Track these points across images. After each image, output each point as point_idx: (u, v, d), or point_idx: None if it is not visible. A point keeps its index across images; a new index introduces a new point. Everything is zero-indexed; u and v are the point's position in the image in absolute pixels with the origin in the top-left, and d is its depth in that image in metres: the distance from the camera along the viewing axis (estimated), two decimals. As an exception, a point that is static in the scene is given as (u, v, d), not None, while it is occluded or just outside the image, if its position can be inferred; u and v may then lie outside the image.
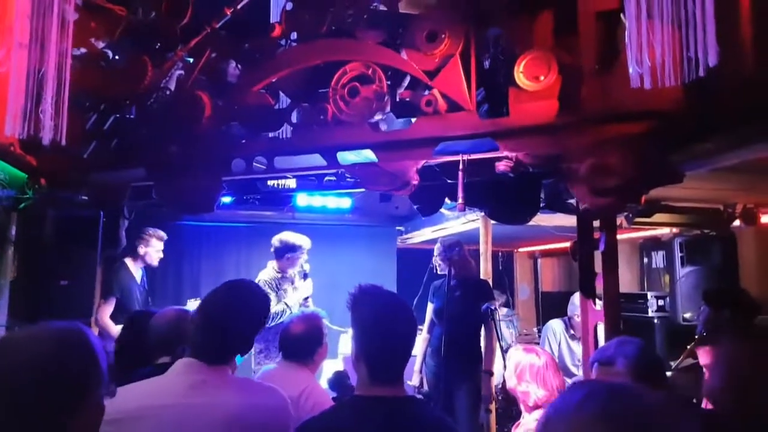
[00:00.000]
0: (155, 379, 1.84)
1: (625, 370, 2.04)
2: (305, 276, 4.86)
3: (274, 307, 4.59)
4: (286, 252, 4.79)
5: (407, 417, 1.73)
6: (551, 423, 0.97)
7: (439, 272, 4.87)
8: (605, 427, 0.90)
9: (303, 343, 2.83)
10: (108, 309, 4.67)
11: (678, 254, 4.66)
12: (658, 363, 2.17)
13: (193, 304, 4.68)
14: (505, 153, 2.62)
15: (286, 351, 2.87)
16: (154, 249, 4.98)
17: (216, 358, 1.83)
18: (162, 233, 5.05)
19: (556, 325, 5.10)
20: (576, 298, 4.90)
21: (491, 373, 4.55)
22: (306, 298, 4.81)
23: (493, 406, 4.68)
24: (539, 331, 6.40)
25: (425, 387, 4.91)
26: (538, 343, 5.51)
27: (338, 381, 2.94)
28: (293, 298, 4.73)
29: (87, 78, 3.21)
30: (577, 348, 4.80)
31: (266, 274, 4.84)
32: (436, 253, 4.85)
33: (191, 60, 3.30)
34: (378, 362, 1.75)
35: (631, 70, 1.81)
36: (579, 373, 4.59)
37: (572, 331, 4.94)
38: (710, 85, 1.91)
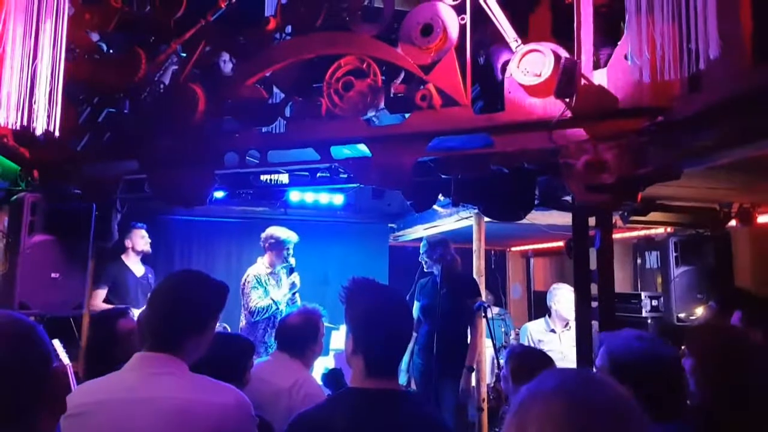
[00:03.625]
0: (112, 374, 1.82)
1: (605, 364, 1.99)
2: (291, 271, 4.89)
3: (261, 303, 4.68)
4: (273, 247, 4.89)
5: (403, 411, 1.72)
6: (525, 405, 0.97)
7: (426, 270, 4.89)
8: (577, 411, 0.91)
9: (298, 335, 2.82)
10: (98, 296, 4.73)
11: (672, 254, 4.66)
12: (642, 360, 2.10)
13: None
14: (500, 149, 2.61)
15: (280, 341, 2.86)
16: (138, 237, 5.03)
17: (165, 346, 1.79)
18: (141, 226, 5.11)
19: (533, 326, 5.07)
20: (556, 287, 4.89)
21: (472, 369, 4.56)
22: (294, 293, 4.84)
23: (485, 405, 4.68)
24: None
25: (413, 386, 4.91)
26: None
27: (333, 378, 2.91)
28: (279, 294, 4.78)
29: (81, 70, 3.20)
30: (557, 345, 4.76)
31: (255, 269, 4.92)
32: (422, 251, 4.88)
33: (185, 55, 3.29)
34: (375, 355, 1.73)
35: (630, 63, 1.80)
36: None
37: (552, 326, 4.89)
38: (708, 80, 1.91)
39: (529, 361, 2.80)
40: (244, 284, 4.81)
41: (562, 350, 4.66)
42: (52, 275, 3.32)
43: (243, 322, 4.86)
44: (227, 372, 2.22)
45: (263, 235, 4.98)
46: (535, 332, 4.93)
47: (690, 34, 1.68)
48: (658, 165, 2.36)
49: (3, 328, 1.17)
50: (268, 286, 4.82)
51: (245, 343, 2.61)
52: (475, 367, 4.60)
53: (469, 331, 4.66)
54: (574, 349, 3.58)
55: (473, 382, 4.65)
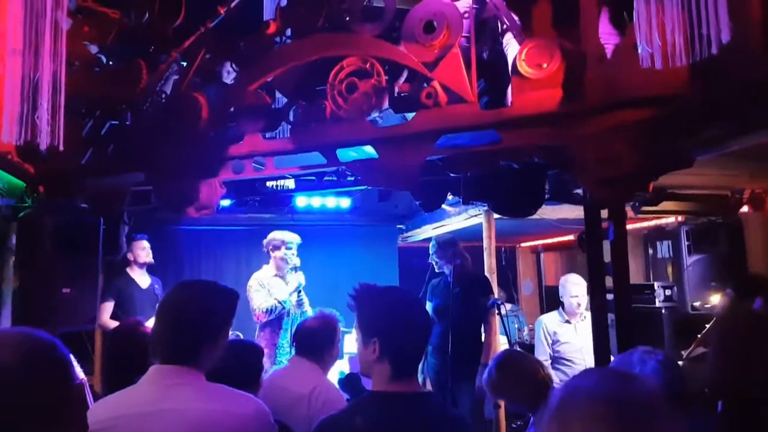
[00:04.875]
0: (129, 388, 1.80)
1: None
2: (295, 270, 4.90)
3: (265, 304, 4.68)
4: (275, 250, 4.92)
5: (429, 413, 1.72)
6: (566, 404, 0.99)
7: (437, 270, 4.87)
8: (619, 408, 0.94)
9: (316, 340, 2.82)
10: (105, 310, 4.72)
11: (684, 242, 4.62)
12: (678, 385, 2.08)
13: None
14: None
15: (298, 346, 2.87)
16: (139, 249, 5.02)
17: (179, 358, 1.77)
18: (142, 237, 5.09)
19: (547, 318, 5.04)
20: (566, 279, 4.86)
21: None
22: (299, 292, 4.84)
23: (502, 402, 4.65)
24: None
25: (428, 386, 4.89)
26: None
27: (350, 382, 2.91)
28: (283, 293, 4.77)
29: (81, 83, 3.18)
30: (573, 335, 4.75)
31: (258, 274, 4.95)
32: (432, 251, 4.88)
33: (185, 64, 3.27)
34: (402, 357, 1.73)
35: (640, 50, 1.77)
36: (577, 360, 4.57)
37: (566, 317, 4.85)
38: (718, 67, 1.87)
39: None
40: (248, 290, 4.82)
41: (578, 341, 4.64)
42: (63, 290, 3.31)
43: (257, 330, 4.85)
44: (241, 378, 2.21)
45: (265, 241, 5.00)
46: (550, 324, 4.89)
47: (701, 19, 1.64)
48: (669, 155, 2.33)
49: (23, 347, 1.15)
50: (271, 288, 4.82)
51: (254, 348, 2.62)
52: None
53: (482, 329, 4.63)
54: (590, 341, 3.56)
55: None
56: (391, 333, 1.73)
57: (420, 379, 4.85)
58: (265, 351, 4.60)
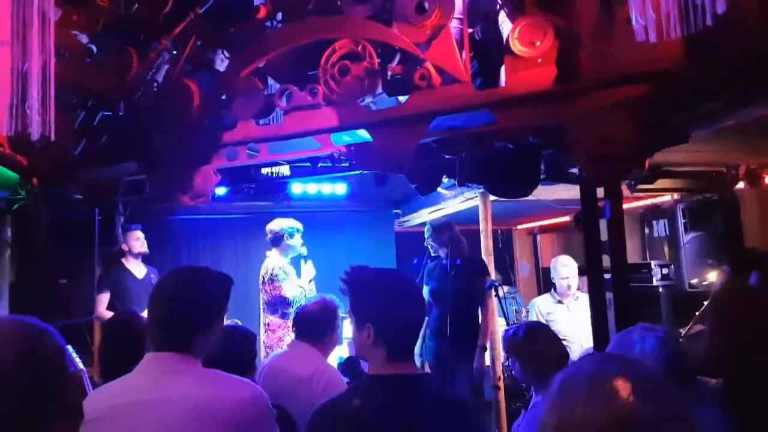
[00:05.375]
0: (124, 377, 1.79)
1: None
2: (305, 259, 4.98)
3: (296, 291, 4.74)
4: (283, 238, 4.94)
5: (428, 394, 1.72)
6: (566, 389, 0.99)
7: (432, 254, 4.89)
8: (620, 392, 0.93)
9: (317, 323, 2.84)
10: (101, 301, 4.73)
11: (681, 220, 4.63)
12: (679, 361, 2.08)
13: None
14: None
15: (299, 330, 2.88)
16: (133, 240, 5.02)
17: (174, 346, 1.76)
18: (135, 227, 5.09)
19: (540, 300, 5.11)
20: (557, 261, 4.93)
21: (485, 348, 4.57)
22: (309, 281, 4.93)
23: (501, 383, 4.68)
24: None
25: (426, 369, 4.91)
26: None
27: (350, 366, 2.93)
28: (303, 281, 4.86)
29: (72, 74, 3.15)
30: (567, 315, 4.82)
31: (274, 262, 4.92)
32: (427, 235, 4.90)
33: (176, 52, 3.23)
34: (397, 340, 1.73)
35: (634, 23, 1.75)
36: (572, 339, 4.62)
37: (558, 297, 4.92)
38: (713, 39, 1.86)
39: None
40: (271, 277, 4.79)
41: (572, 321, 4.71)
42: (60, 282, 3.30)
43: (270, 318, 4.82)
44: (236, 364, 2.21)
45: (268, 228, 4.99)
46: (543, 306, 4.98)
47: (695, -11, 1.63)
48: (665, 130, 2.32)
49: (17, 334, 1.15)
50: (291, 276, 4.88)
51: (247, 333, 2.64)
52: (488, 346, 4.60)
53: (479, 311, 4.66)
54: (584, 320, 3.58)
55: (487, 361, 4.65)
56: (384, 318, 1.73)
57: (418, 363, 4.88)
58: (287, 338, 4.65)
